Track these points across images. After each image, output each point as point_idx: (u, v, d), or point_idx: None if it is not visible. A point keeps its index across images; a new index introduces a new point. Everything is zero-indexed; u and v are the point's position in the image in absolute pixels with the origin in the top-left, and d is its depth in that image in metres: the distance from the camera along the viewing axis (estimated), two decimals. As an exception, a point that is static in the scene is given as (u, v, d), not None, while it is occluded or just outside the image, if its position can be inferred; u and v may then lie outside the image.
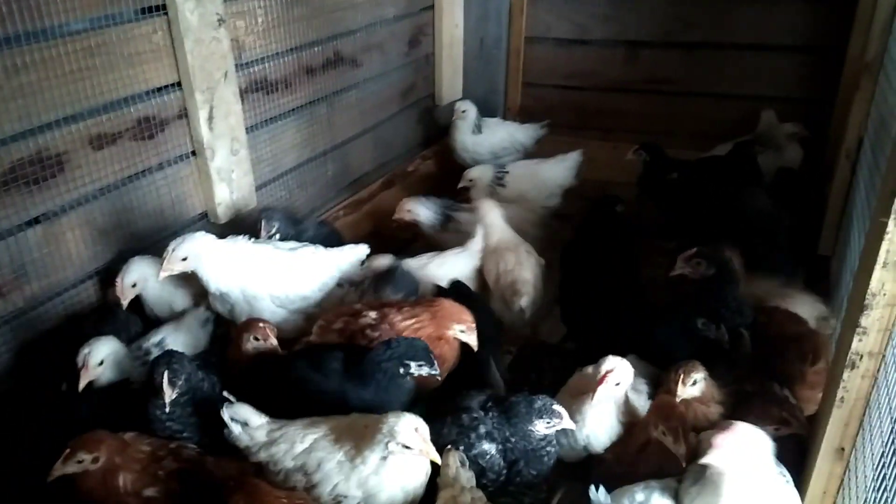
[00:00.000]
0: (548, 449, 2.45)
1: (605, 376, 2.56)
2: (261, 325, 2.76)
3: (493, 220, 3.78)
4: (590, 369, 2.73)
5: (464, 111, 4.99)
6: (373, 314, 2.84)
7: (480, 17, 5.71)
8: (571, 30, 5.71)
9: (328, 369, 2.54)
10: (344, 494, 2.14)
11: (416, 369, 2.47)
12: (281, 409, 2.42)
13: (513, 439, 2.42)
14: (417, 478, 2.20)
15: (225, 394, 2.38)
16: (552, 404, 2.44)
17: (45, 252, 2.79)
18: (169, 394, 2.34)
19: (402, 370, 2.46)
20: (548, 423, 2.41)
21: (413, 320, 2.79)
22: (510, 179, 4.50)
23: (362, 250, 3.34)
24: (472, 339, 2.80)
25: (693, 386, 2.58)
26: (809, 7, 4.96)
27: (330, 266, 3.24)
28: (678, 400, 2.53)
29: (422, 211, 4.10)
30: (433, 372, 2.49)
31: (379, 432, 2.12)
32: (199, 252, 2.84)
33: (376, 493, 2.12)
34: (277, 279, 3.05)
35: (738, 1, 5.14)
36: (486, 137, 5.08)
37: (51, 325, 2.88)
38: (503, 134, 5.17)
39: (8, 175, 2.58)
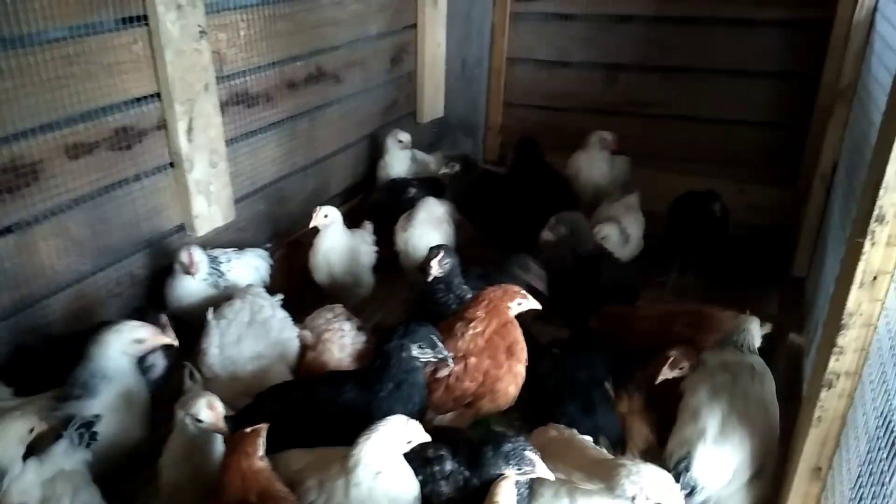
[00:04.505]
0: None
1: None
2: None
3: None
4: (553, 432, 2.52)
5: (400, 140, 4.79)
6: None
7: (463, 37, 5.76)
8: (552, 52, 5.76)
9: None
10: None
11: (419, 351, 2.51)
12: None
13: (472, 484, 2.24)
14: (406, 495, 2.17)
15: None
16: (524, 448, 2.18)
17: (16, 262, 2.73)
18: None
19: (404, 353, 2.50)
20: (518, 470, 2.17)
21: (471, 327, 2.80)
22: None
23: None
24: (533, 303, 2.86)
25: (680, 370, 2.83)
26: (785, 34, 5.05)
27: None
28: (657, 381, 2.78)
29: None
30: (439, 356, 2.55)
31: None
32: None
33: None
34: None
35: (715, 27, 5.22)
36: (422, 167, 4.98)
37: (23, 338, 2.81)
38: (427, 164, 5.07)
39: (-20, 183, 2.53)
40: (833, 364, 2.00)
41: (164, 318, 2.79)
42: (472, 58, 5.90)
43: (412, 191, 4.48)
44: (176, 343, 2.65)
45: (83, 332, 2.82)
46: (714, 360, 2.78)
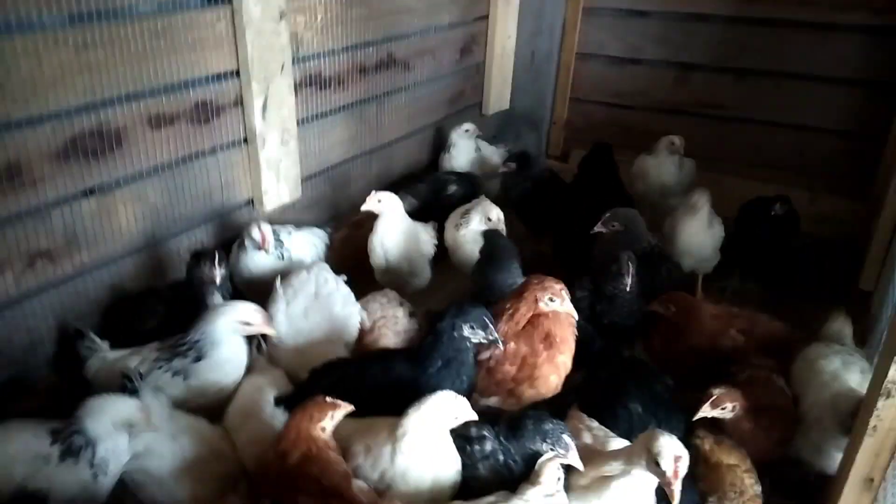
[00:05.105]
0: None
1: (676, 469, 2.08)
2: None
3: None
4: (585, 439, 2.48)
5: (467, 130, 4.83)
6: None
7: (534, 30, 5.76)
8: (624, 48, 5.72)
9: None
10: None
11: (470, 331, 2.55)
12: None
13: (511, 462, 2.31)
14: (449, 469, 2.24)
15: None
16: (563, 431, 2.28)
17: (96, 222, 2.89)
18: None
19: (455, 332, 2.54)
20: (552, 449, 2.26)
21: (505, 316, 2.81)
22: None
23: None
24: (567, 308, 2.78)
25: (722, 410, 2.63)
26: (866, 40, 4.90)
27: None
28: (696, 417, 2.60)
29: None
30: (490, 338, 2.57)
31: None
32: None
33: (405, 470, 2.19)
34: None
35: (794, 30, 5.10)
36: (486, 156, 4.98)
37: (95, 295, 2.98)
38: (490, 154, 5.07)
39: (69, 145, 2.69)
40: (893, 373, 1.96)
41: (219, 255, 2.98)
42: (541, 51, 5.90)
43: (452, 188, 4.46)
44: (274, 333, 2.81)
45: (160, 288, 3.09)
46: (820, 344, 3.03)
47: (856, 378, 2.76)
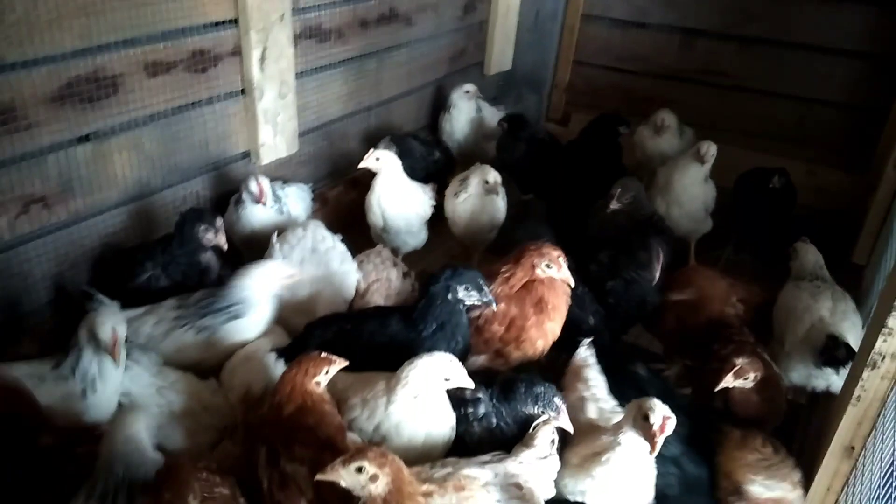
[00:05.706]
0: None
1: (664, 424, 2.11)
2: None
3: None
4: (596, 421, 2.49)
5: (467, 91, 4.77)
6: None
7: (539, -11, 5.66)
8: (630, 11, 5.62)
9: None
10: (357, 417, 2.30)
11: (464, 293, 2.56)
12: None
13: (503, 424, 2.37)
14: (443, 425, 2.28)
15: None
16: (554, 395, 2.34)
17: (91, 170, 2.87)
18: None
19: (450, 295, 2.55)
20: (543, 412, 2.31)
21: (500, 279, 2.80)
22: None
23: None
24: (564, 275, 2.76)
25: (744, 380, 2.62)
26: (876, 13, 4.83)
27: None
28: (717, 389, 2.59)
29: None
30: (484, 300, 2.57)
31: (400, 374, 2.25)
32: None
33: (398, 422, 2.24)
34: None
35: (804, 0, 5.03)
36: (486, 117, 4.91)
37: (89, 243, 2.98)
38: (491, 115, 4.96)
39: (65, 90, 2.65)
40: (880, 344, 1.99)
41: (219, 221, 2.98)
42: (546, 11, 5.80)
43: (437, 154, 4.46)
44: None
45: (151, 244, 3.04)
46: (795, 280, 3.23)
47: (826, 306, 3.02)
